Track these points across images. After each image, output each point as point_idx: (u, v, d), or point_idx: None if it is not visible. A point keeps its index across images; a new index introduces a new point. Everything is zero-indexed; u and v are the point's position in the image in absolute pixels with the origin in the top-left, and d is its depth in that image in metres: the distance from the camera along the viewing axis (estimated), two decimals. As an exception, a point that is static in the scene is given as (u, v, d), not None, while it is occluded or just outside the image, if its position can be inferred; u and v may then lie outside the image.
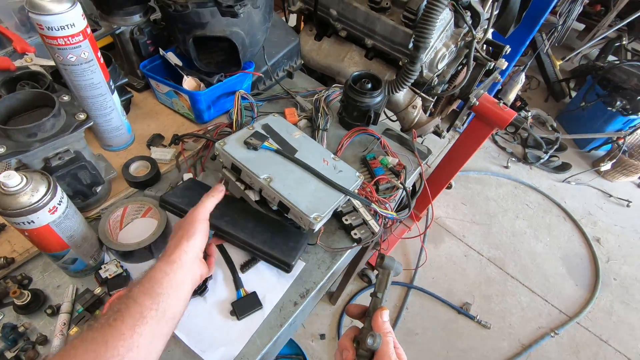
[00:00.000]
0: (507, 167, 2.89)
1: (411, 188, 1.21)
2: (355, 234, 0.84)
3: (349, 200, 0.88)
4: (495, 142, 3.07)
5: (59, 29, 0.66)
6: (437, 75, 1.31)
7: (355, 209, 0.88)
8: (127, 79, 0.94)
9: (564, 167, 2.92)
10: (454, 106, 1.66)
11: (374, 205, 0.84)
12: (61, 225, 0.61)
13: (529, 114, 3.11)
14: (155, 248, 0.76)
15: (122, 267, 0.73)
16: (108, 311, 0.49)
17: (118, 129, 0.87)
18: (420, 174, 1.06)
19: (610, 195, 2.82)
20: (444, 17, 1.14)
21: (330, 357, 1.83)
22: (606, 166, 2.81)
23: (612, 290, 2.29)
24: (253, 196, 0.86)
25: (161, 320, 0.50)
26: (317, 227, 0.79)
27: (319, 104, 1.12)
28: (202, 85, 0.95)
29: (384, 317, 0.56)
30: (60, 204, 0.59)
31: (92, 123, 0.68)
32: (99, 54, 0.75)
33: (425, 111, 1.46)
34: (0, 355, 0.63)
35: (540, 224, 2.57)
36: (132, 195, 0.87)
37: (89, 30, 0.70)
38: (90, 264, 0.72)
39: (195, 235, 0.61)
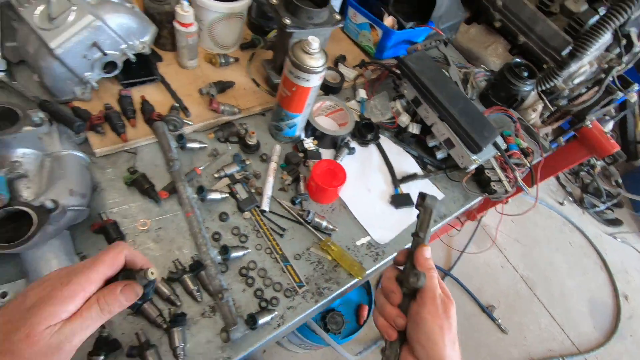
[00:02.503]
0: (561, 204, 2.97)
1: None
2: (493, 186, 0.99)
3: (488, 160, 1.04)
4: (558, 177, 3.14)
5: None
6: (568, 89, 1.43)
7: (493, 168, 1.03)
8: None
9: (615, 222, 2.98)
10: (561, 122, 1.76)
11: (516, 173, 1.00)
12: (311, 95, 0.79)
13: (598, 162, 3.16)
14: (341, 140, 0.94)
15: (317, 146, 0.91)
16: None
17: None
18: (538, 162, 1.20)
19: (651, 263, 2.88)
20: (606, 37, 1.25)
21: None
22: (657, 234, 2.86)
23: (625, 344, 2.40)
24: (415, 129, 1.02)
25: None
26: (471, 168, 0.95)
27: (469, 77, 1.26)
28: (396, 26, 1.11)
29: (426, 254, 0.54)
30: (321, 79, 0.77)
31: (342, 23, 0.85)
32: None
33: (539, 117, 1.58)
34: (232, 176, 0.82)
35: (577, 264, 2.67)
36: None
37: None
38: (297, 135, 0.90)
39: None
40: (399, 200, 0.92)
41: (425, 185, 0.99)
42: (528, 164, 1.11)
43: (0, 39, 0.74)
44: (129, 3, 0.81)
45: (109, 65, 0.78)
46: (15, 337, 0.35)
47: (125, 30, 0.77)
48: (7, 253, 0.53)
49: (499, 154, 1.00)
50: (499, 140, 1.01)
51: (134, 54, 0.80)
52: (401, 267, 0.57)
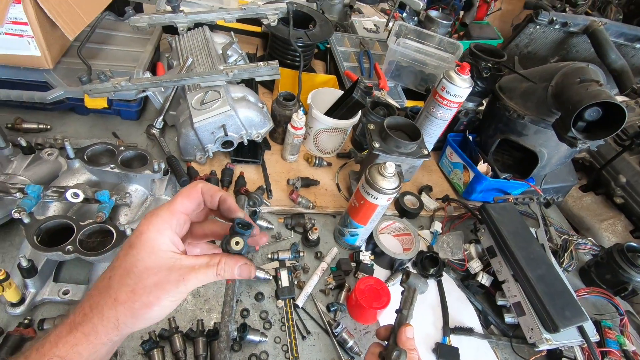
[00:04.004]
0: None
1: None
2: (569, 381, 0.81)
3: (571, 347, 0.86)
4: None
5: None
6: None
7: (575, 359, 0.85)
8: (434, 139, 1.19)
9: None
10: None
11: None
12: (378, 212, 0.83)
13: None
14: (399, 264, 0.92)
15: (372, 261, 0.91)
16: None
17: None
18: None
19: None
20: None
21: None
22: None
23: None
24: (486, 280, 0.94)
25: None
26: (541, 348, 0.81)
27: (569, 245, 1.13)
28: (490, 173, 1.11)
29: (409, 334, 0.57)
30: (389, 201, 0.81)
31: (429, 158, 0.90)
32: (451, 119, 1.00)
33: (668, 322, 1.26)
34: (282, 262, 0.87)
35: None
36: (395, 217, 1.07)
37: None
38: (357, 244, 0.93)
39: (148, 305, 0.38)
40: (444, 352, 0.82)
41: (481, 347, 0.86)
42: (631, 374, 0.87)
43: (167, 107, 1.02)
44: (261, 103, 1.03)
45: (227, 143, 0.97)
46: (138, 255, 0.39)
47: (249, 122, 0.97)
48: (85, 259, 0.65)
49: (586, 345, 0.83)
50: (589, 327, 0.84)
51: (248, 140, 0.98)
52: (385, 343, 0.60)
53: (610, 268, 1.02)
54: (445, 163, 1.24)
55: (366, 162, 1.01)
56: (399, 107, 1.26)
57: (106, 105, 0.97)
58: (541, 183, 1.21)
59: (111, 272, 0.39)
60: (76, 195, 0.67)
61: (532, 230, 0.98)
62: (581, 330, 0.83)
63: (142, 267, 0.38)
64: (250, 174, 1.03)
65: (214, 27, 1.18)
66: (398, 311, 0.62)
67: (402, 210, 1.06)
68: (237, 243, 0.43)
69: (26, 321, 0.64)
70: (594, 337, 0.84)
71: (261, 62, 0.95)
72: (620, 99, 1.48)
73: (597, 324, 0.96)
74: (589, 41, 1.57)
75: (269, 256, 0.87)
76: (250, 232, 0.44)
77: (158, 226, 0.40)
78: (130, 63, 1.05)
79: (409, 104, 1.33)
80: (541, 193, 1.11)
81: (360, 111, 1.09)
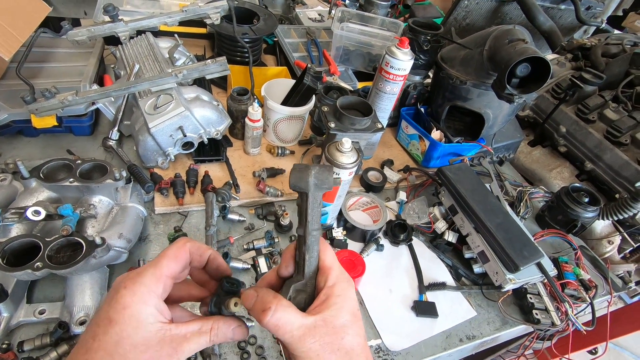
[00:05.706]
0: (679, 373, 2.32)
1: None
2: (536, 314, 0.88)
3: (534, 284, 0.94)
4: (672, 336, 2.51)
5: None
6: (651, 224, 1.27)
7: (539, 294, 0.93)
8: (388, 115, 1.24)
9: None
10: (652, 264, 1.51)
11: (567, 305, 0.88)
12: (342, 188, 0.87)
13: None
14: (370, 236, 0.96)
15: (345, 237, 0.95)
16: None
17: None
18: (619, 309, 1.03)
19: None
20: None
21: None
22: None
23: None
24: (452, 237, 1.00)
25: None
26: (507, 287, 0.88)
27: (523, 195, 1.22)
28: (443, 140, 1.18)
29: (327, 256, 0.42)
30: (350, 175, 0.85)
31: (384, 131, 0.95)
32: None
33: (618, 252, 1.39)
34: (259, 250, 0.90)
35: None
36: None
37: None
38: (329, 223, 0.96)
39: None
40: (422, 308, 0.87)
41: (455, 298, 0.93)
42: (588, 299, 0.97)
43: (121, 117, 1.01)
44: (215, 101, 1.04)
45: (187, 144, 0.98)
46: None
47: (205, 120, 0.98)
48: (57, 274, 0.65)
49: (546, 279, 0.91)
50: (546, 263, 0.93)
51: (208, 138, 0.99)
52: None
53: (560, 209, 1.12)
54: (402, 136, 1.30)
55: (325, 144, 1.04)
56: (352, 89, 1.30)
57: (56, 123, 0.95)
58: (492, 142, 1.29)
59: (87, 354, 0.33)
60: (37, 212, 0.67)
61: (487, 185, 1.05)
62: (540, 267, 0.91)
63: (129, 346, 0.34)
64: (216, 171, 1.04)
65: (157, 34, 1.17)
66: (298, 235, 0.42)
67: (367, 186, 1.11)
68: (235, 304, 0.40)
69: (4, 345, 0.64)
70: (552, 271, 0.93)
71: (209, 60, 0.96)
72: (552, 56, 1.60)
73: (556, 261, 1.05)
74: (519, 8, 1.68)
75: (245, 246, 0.89)
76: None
77: (144, 297, 0.35)
78: (75, 78, 1.03)
79: (360, 85, 1.37)
80: (492, 151, 1.20)
81: (314, 96, 1.13)
